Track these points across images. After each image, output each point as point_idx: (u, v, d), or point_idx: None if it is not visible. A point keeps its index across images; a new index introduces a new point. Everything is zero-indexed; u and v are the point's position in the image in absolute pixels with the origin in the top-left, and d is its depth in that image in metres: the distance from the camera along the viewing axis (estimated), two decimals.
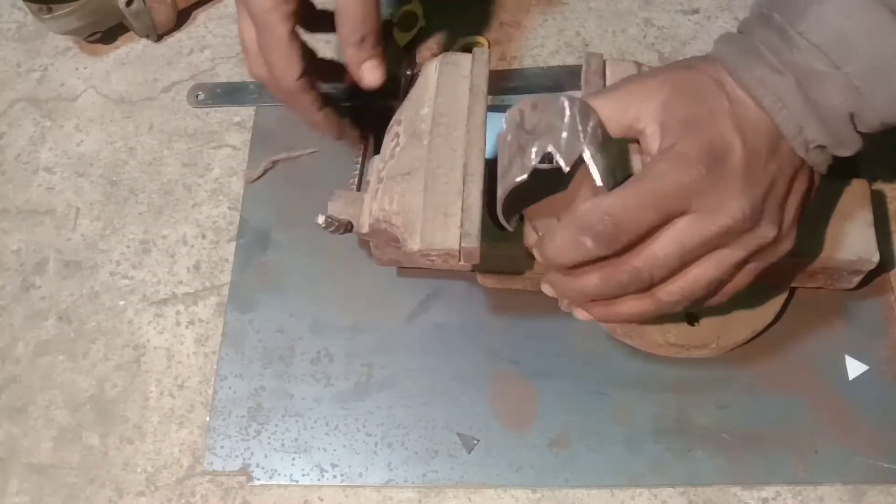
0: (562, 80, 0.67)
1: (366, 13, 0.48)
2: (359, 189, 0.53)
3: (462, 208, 0.47)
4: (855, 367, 0.55)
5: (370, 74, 0.49)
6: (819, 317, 0.57)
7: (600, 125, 0.41)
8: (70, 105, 0.69)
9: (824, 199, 0.52)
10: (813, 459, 0.52)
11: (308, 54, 0.51)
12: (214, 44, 0.71)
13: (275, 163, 0.64)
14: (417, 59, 0.69)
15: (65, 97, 0.70)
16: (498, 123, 0.64)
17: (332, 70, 0.58)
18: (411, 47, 0.69)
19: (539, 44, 0.70)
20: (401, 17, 0.71)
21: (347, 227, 0.52)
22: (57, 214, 0.64)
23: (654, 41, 0.69)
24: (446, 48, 0.70)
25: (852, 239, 0.52)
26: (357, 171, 0.58)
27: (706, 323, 0.54)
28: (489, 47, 0.69)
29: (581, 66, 0.52)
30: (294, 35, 0.49)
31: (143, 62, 0.71)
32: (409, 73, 0.68)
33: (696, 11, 0.70)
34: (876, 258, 0.51)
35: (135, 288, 0.61)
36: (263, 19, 0.48)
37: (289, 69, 0.49)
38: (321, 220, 0.50)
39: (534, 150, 0.40)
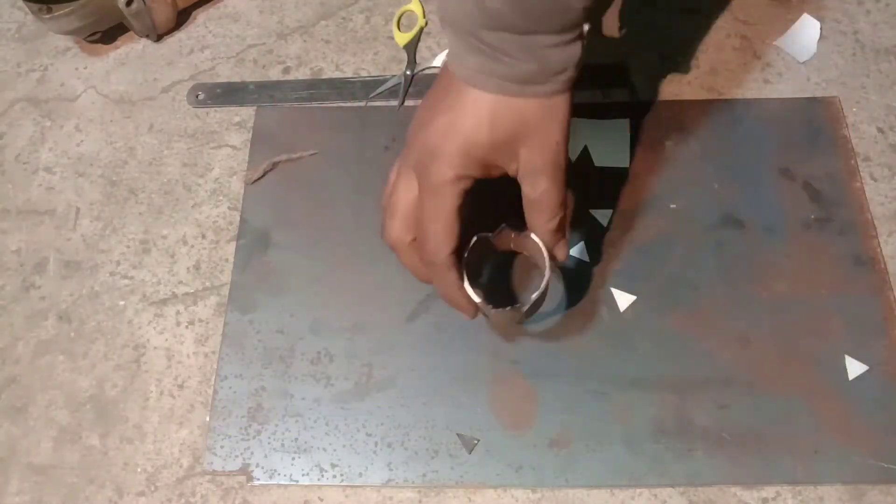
0: None
1: (559, 202, 0.48)
2: None
3: None
4: (855, 367, 0.55)
5: (561, 252, 0.50)
6: (819, 317, 0.57)
7: None
8: (70, 105, 0.69)
9: None
10: (813, 459, 0.52)
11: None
12: (214, 44, 0.71)
13: (275, 164, 0.64)
14: (417, 60, 0.69)
15: (65, 97, 0.70)
16: None
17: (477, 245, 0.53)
18: (411, 47, 0.69)
19: None
20: (400, 17, 0.72)
21: None
22: (57, 214, 0.64)
23: (654, 41, 0.69)
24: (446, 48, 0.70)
25: None
26: None
27: None
28: None
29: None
30: (461, 211, 0.47)
31: (143, 62, 0.71)
32: (408, 73, 0.68)
33: (696, 11, 0.71)
34: None
35: (135, 288, 0.61)
36: (438, 190, 0.46)
37: (444, 244, 0.47)
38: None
39: None
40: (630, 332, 0.57)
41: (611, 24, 0.70)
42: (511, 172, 0.47)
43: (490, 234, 0.52)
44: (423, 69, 0.69)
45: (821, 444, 0.53)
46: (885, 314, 0.57)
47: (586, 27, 0.43)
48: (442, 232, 0.47)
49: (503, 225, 0.52)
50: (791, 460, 0.52)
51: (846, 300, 0.57)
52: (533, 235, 0.50)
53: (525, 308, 0.51)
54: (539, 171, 0.46)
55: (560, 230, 0.49)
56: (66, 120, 0.68)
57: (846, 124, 0.64)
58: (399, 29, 0.71)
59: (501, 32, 0.41)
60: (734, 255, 0.59)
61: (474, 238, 0.51)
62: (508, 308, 0.50)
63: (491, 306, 0.50)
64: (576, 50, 0.43)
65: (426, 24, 0.71)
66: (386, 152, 0.64)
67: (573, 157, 0.63)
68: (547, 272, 0.50)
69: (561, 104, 0.45)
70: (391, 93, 0.67)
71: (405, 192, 0.48)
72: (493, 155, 0.45)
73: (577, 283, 0.58)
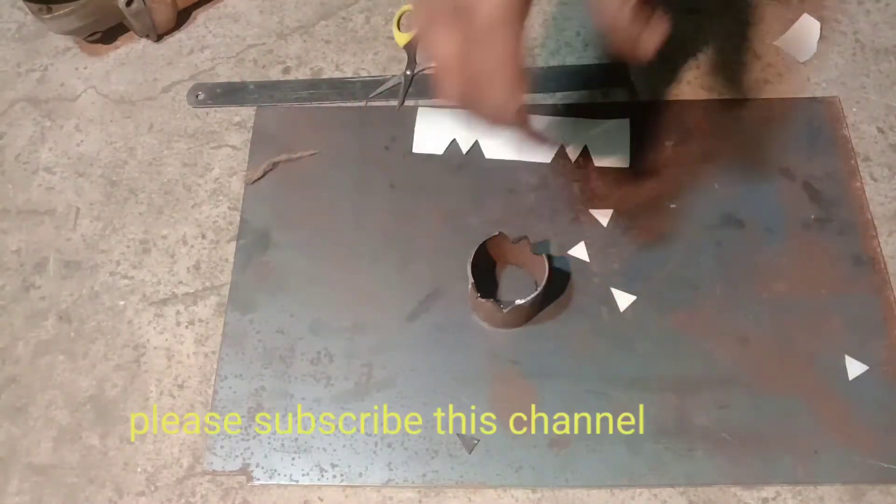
0: (563, 79, 0.67)
1: None
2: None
3: None
4: (855, 367, 0.55)
5: (654, 37, 0.43)
6: (819, 317, 0.57)
7: None
8: (70, 105, 0.69)
9: None
10: (813, 459, 0.52)
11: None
12: (214, 44, 0.71)
13: (275, 164, 0.64)
14: (417, 60, 0.69)
15: (65, 97, 0.70)
16: None
17: None
18: (411, 47, 0.69)
19: (539, 44, 0.70)
20: (400, 17, 0.72)
21: None
22: (57, 214, 0.64)
23: None
24: None
25: None
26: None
27: None
28: None
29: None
30: (522, 52, 0.39)
31: (143, 62, 0.71)
32: (408, 73, 0.68)
33: (696, 11, 0.70)
34: None
35: (135, 288, 0.61)
36: (493, 31, 0.38)
37: (514, 97, 0.40)
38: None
39: None
40: (630, 332, 0.57)
41: None
42: None
43: (511, 239, 0.55)
44: (423, 69, 0.69)
45: (821, 444, 0.53)
46: (885, 314, 0.57)
47: None
48: (512, 78, 0.39)
49: (524, 237, 0.55)
50: (791, 460, 0.52)
51: (846, 300, 0.57)
52: (543, 256, 0.54)
53: (505, 310, 0.54)
54: None
55: (638, 12, 0.42)
56: (66, 120, 0.68)
57: (846, 124, 0.64)
58: (399, 29, 0.71)
59: None
60: (734, 254, 0.59)
61: (496, 233, 0.55)
62: (490, 300, 0.53)
63: (479, 294, 0.53)
64: None
65: None
66: (386, 152, 0.64)
67: (573, 157, 0.63)
68: (540, 288, 0.53)
69: None
70: (391, 93, 0.67)
71: (446, 45, 0.39)
72: None
73: (578, 283, 0.59)
